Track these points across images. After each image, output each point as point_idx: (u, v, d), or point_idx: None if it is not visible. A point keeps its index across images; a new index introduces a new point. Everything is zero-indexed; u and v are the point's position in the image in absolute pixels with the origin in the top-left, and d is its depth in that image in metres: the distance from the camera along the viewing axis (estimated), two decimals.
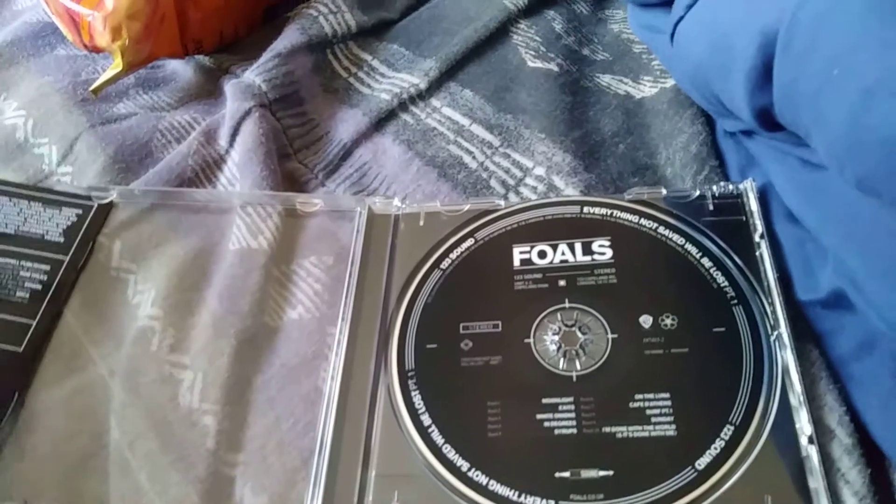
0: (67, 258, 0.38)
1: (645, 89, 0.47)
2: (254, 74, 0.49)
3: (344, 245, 0.40)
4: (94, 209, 0.40)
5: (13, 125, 0.50)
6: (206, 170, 0.46)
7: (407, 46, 0.53)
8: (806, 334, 0.32)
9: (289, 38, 0.51)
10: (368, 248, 0.39)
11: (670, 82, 0.45)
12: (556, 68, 0.49)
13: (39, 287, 0.37)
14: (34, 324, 0.36)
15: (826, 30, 0.27)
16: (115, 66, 0.49)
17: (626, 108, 0.46)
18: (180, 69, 0.55)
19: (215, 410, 0.35)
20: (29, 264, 0.37)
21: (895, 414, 0.28)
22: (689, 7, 0.37)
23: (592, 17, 0.55)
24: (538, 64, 0.49)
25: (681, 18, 0.38)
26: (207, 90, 0.53)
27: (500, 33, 0.52)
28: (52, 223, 0.39)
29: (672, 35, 0.40)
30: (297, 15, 0.53)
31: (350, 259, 0.39)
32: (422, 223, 0.39)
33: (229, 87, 0.49)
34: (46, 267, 0.37)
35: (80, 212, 0.40)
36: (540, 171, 0.42)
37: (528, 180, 0.42)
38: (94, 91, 0.50)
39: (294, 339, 0.37)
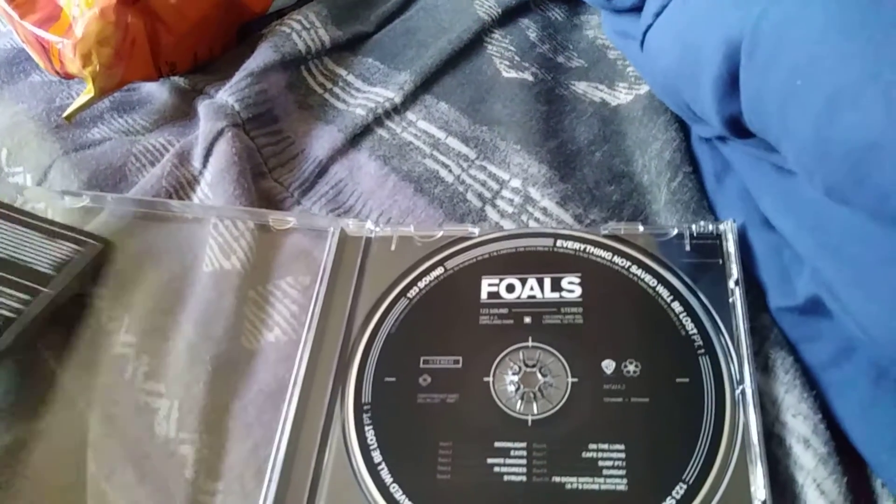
0: (55, 293, 0.37)
1: (620, 96, 0.47)
2: (226, 94, 0.48)
3: (321, 264, 0.40)
4: (98, 251, 0.39)
5: None
6: (179, 191, 0.45)
7: (382, 60, 0.53)
8: (781, 341, 0.31)
9: (262, 56, 0.50)
10: (338, 271, 0.38)
11: (645, 88, 0.45)
12: (530, 77, 0.48)
13: (13, 315, 0.35)
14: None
15: (788, 40, 0.27)
16: (88, 91, 0.49)
17: (601, 116, 0.45)
18: (155, 91, 0.55)
19: (193, 439, 0.34)
20: (6, 289, 0.36)
21: (876, 421, 0.28)
22: (657, 15, 0.37)
23: (567, 24, 0.55)
24: (513, 74, 0.49)
25: (649, 26, 0.38)
26: (182, 111, 0.53)
27: (474, 44, 0.52)
28: (43, 254, 0.38)
29: (642, 43, 0.39)
30: (271, 32, 0.53)
31: (317, 281, 0.38)
32: (393, 248, 0.38)
33: (202, 107, 0.48)
34: (26, 297, 0.36)
35: (80, 249, 0.38)
36: (516, 182, 0.42)
37: (505, 192, 0.42)
38: (68, 118, 0.49)
39: (271, 362, 0.37)
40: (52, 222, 0.40)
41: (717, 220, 0.37)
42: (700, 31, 0.33)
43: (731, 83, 0.30)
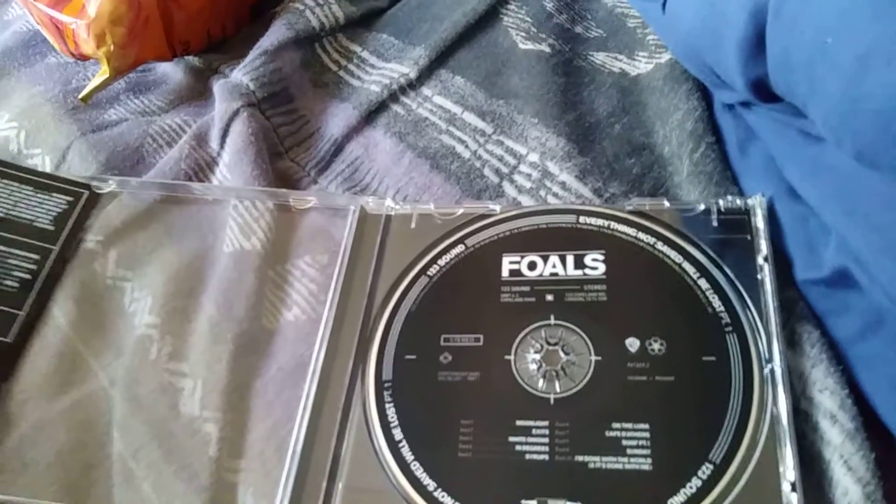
0: (56, 248, 0.36)
1: (640, 66, 0.45)
2: (241, 73, 0.48)
3: (339, 243, 0.40)
4: (84, 197, 0.38)
5: (6, 137, 0.50)
6: (198, 173, 0.45)
7: (396, 35, 0.52)
8: (807, 315, 0.30)
9: (275, 34, 0.50)
10: (358, 250, 0.38)
11: (666, 57, 0.44)
12: (548, 49, 0.47)
13: (29, 277, 0.35)
14: (22, 314, 0.35)
15: None
16: (103, 72, 0.49)
17: (621, 87, 0.44)
18: (170, 71, 0.55)
19: (216, 417, 0.35)
20: (18, 252, 0.36)
21: None
22: None
23: None
24: (529, 45, 0.48)
25: None
26: (198, 91, 0.52)
27: (489, 16, 0.51)
28: (41, 209, 0.38)
29: (664, 5, 0.38)
30: (284, 10, 0.53)
31: (339, 260, 0.38)
32: (413, 225, 0.38)
33: (217, 87, 0.48)
34: (36, 256, 0.36)
35: (71, 199, 0.38)
36: (534, 157, 0.41)
37: (523, 167, 0.41)
38: (84, 99, 0.49)
39: (290, 340, 0.37)
40: (38, 173, 0.40)
41: (741, 190, 0.36)
42: None
43: (756, 43, 0.29)
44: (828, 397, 0.28)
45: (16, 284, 0.35)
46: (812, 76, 0.26)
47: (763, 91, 0.31)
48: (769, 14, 0.28)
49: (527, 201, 0.39)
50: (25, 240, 0.36)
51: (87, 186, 0.39)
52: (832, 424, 0.27)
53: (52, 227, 0.37)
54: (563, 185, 0.39)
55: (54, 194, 0.38)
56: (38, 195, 0.38)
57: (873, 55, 0.23)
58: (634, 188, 0.38)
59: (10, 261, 0.35)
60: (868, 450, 0.27)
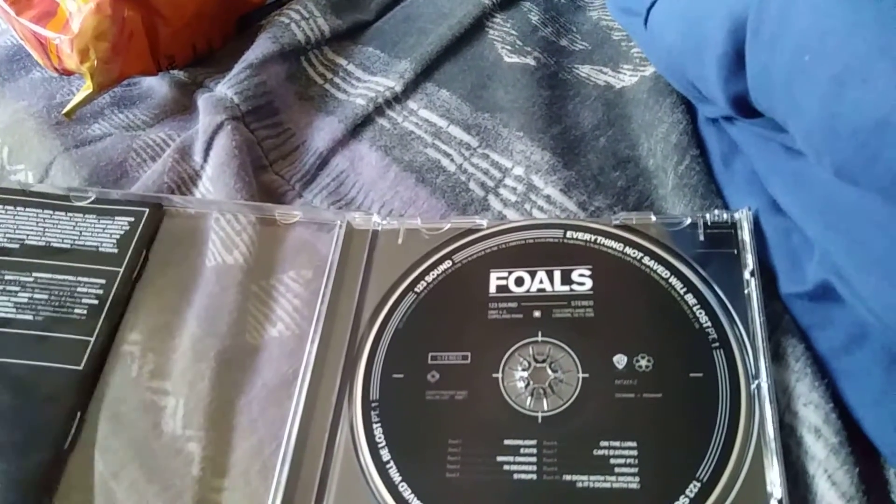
0: (121, 270, 0.37)
1: (625, 78, 0.46)
2: (226, 87, 0.48)
3: (323, 257, 0.39)
4: (145, 215, 0.39)
5: None
6: (181, 186, 0.45)
7: (382, 48, 0.52)
8: (792, 329, 0.31)
9: (260, 47, 0.50)
10: (345, 265, 0.37)
11: (650, 70, 0.44)
12: (533, 62, 0.48)
13: (96, 302, 0.36)
14: (92, 341, 0.35)
15: (794, 14, 0.26)
16: (86, 87, 0.48)
17: (606, 100, 0.45)
18: (155, 85, 0.55)
19: (199, 436, 0.34)
20: (85, 279, 0.36)
21: (889, 409, 0.27)
22: None
23: (570, 6, 0.54)
24: (515, 59, 0.48)
25: (653, 3, 0.37)
26: (183, 105, 0.52)
27: (475, 29, 0.51)
28: (105, 234, 0.38)
29: (646, 19, 0.38)
30: (270, 23, 0.53)
31: (325, 275, 0.37)
32: (400, 241, 0.38)
33: (202, 101, 0.48)
34: (102, 280, 0.36)
35: (132, 219, 0.38)
36: (519, 170, 0.41)
37: (508, 181, 0.41)
38: (67, 114, 0.49)
39: (275, 357, 0.37)
40: (100, 200, 0.40)
41: (725, 203, 0.36)
42: (704, 6, 0.32)
43: (736, 61, 0.29)
44: (812, 411, 0.28)
45: (84, 312, 0.35)
46: (791, 93, 0.26)
47: (744, 107, 0.31)
48: (748, 32, 0.28)
49: (512, 215, 0.39)
50: (91, 266, 0.37)
51: (147, 204, 0.39)
52: (816, 439, 0.27)
53: (115, 251, 0.37)
54: (547, 198, 0.39)
55: (117, 218, 0.38)
56: (102, 221, 0.38)
57: (850, 73, 0.23)
58: (619, 201, 0.38)
59: (78, 289, 0.36)
60: (852, 464, 0.26)
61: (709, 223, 0.35)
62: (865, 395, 0.28)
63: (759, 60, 0.28)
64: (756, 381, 0.29)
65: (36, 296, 0.36)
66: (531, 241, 0.36)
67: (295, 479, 0.31)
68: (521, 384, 0.32)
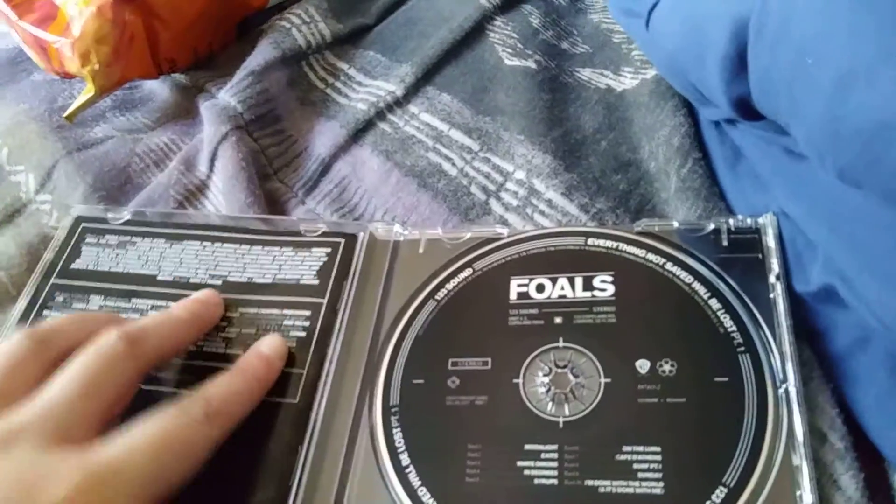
0: (325, 301, 0.36)
1: (626, 81, 0.46)
2: (229, 95, 0.48)
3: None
4: (342, 245, 0.38)
5: None
6: (189, 198, 0.45)
7: (383, 52, 0.52)
8: (798, 332, 0.30)
9: (262, 53, 0.50)
10: (367, 275, 0.37)
11: (651, 72, 0.44)
12: (534, 65, 0.48)
13: (304, 334, 0.35)
14: (304, 373, 0.34)
15: (797, 16, 0.25)
16: (88, 90, 0.48)
17: (607, 103, 0.44)
18: (157, 89, 0.55)
19: None
20: (290, 312, 0.36)
21: (893, 413, 0.27)
22: None
23: (571, 8, 0.54)
24: (515, 62, 0.48)
25: (654, 4, 0.37)
26: (185, 109, 0.52)
27: (476, 32, 0.51)
28: (304, 266, 0.38)
29: (647, 21, 0.38)
30: (271, 28, 0.53)
31: (347, 284, 0.37)
32: (421, 250, 0.38)
33: (205, 109, 0.48)
34: (307, 312, 0.36)
35: (329, 250, 0.38)
36: (520, 174, 0.41)
37: (509, 185, 0.41)
38: (68, 117, 0.49)
39: None
40: (292, 233, 0.39)
41: (728, 207, 0.36)
42: (706, 8, 0.32)
43: (739, 63, 0.29)
44: (818, 416, 0.28)
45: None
46: (794, 96, 0.26)
47: (747, 109, 0.31)
48: (750, 34, 0.28)
49: (514, 219, 0.39)
50: (295, 299, 0.36)
51: (342, 234, 0.39)
52: (822, 444, 0.27)
53: (317, 282, 0.37)
54: (549, 202, 0.39)
55: (314, 249, 0.38)
56: (300, 254, 0.38)
57: (853, 75, 0.23)
58: (621, 204, 0.38)
59: (285, 322, 0.35)
60: (857, 469, 0.26)
61: (732, 228, 0.34)
62: (869, 399, 0.28)
63: (762, 63, 0.28)
64: (784, 385, 0.29)
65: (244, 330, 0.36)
66: (552, 248, 0.36)
67: (315, 482, 0.31)
68: (542, 389, 0.31)
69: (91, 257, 0.40)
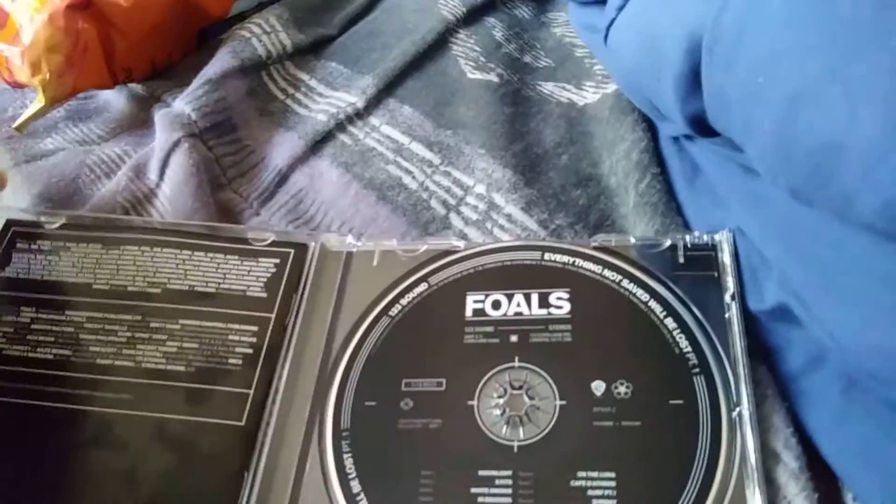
0: (273, 315, 0.34)
1: (587, 95, 0.45)
2: (183, 103, 0.47)
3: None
4: (291, 256, 0.36)
5: None
6: (136, 206, 0.44)
7: (345, 63, 0.51)
8: (753, 351, 0.30)
9: (220, 62, 0.49)
10: (318, 288, 0.36)
11: (612, 87, 0.44)
12: (496, 79, 0.47)
13: (250, 351, 0.33)
14: (251, 393, 0.32)
15: (748, 35, 0.25)
16: (39, 101, 0.47)
17: (568, 117, 0.44)
18: (112, 99, 0.53)
19: None
20: (236, 326, 0.34)
21: (846, 433, 0.27)
22: (620, 9, 0.36)
23: (535, 22, 0.54)
24: (478, 75, 0.48)
25: (612, 21, 0.37)
26: (140, 120, 0.51)
27: (438, 45, 0.50)
28: (251, 277, 0.35)
29: (606, 37, 0.38)
30: (230, 37, 0.52)
31: (297, 298, 0.36)
32: (375, 263, 0.37)
33: (158, 117, 0.47)
34: (254, 328, 0.34)
35: (277, 261, 0.36)
36: (480, 188, 0.40)
37: (469, 199, 0.40)
38: (18, 128, 0.47)
39: None
40: (238, 240, 0.37)
41: (686, 222, 0.36)
42: (661, 26, 0.31)
43: (693, 80, 0.29)
44: (772, 435, 0.28)
45: (238, 362, 0.33)
46: (746, 114, 0.26)
47: (702, 126, 0.31)
48: (703, 52, 0.28)
49: (473, 234, 0.39)
50: (241, 312, 0.34)
51: (292, 244, 0.37)
52: (776, 464, 0.27)
53: (265, 295, 0.35)
54: (508, 217, 0.38)
55: (261, 260, 0.36)
56: (246, 263, 0.36)
57: (802, 96, 0.23)
58: (580, 220, 0.38)
59: (230, 337, 0.33)
60: (811, 490, 0.26)
61: (689, 245, 0.34)
62: (823, 419, 0.28)
63: (715, 81, 0.28)
64: (738, 409, 0.28)
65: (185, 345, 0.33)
66: (508, 263, 0.36)
67: (265, 498, 0.30)
68: (496, 412, 0.31)
69: (22, 265, 0.37)
